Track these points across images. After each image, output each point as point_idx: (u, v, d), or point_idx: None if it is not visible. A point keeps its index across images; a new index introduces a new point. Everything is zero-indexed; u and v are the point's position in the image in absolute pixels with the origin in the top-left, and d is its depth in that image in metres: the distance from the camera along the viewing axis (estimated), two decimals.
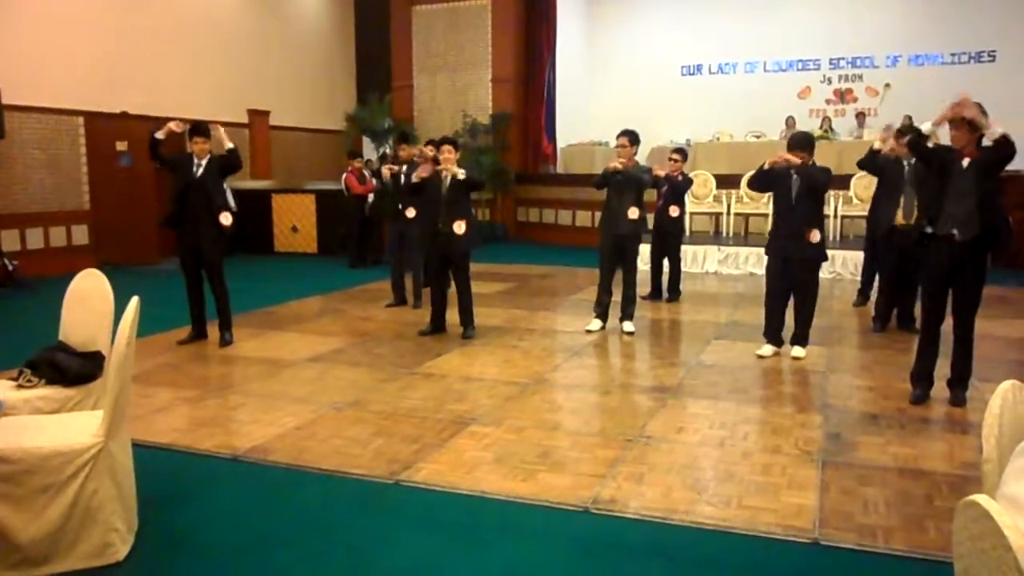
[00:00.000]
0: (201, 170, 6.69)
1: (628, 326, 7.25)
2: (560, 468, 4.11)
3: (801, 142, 6.12)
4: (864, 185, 10.66)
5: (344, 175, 12.17)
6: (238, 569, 3.16)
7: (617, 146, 7.09)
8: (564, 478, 3.98)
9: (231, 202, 7.65)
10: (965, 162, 4.87)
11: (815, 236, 6.08)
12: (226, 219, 6.76)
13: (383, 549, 3.31)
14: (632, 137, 7.01)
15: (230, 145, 6.80)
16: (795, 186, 6.06)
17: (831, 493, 3.79)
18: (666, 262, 8.99)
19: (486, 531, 3.45)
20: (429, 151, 7.98)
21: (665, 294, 8.98)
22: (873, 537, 3.35)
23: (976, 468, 3.71)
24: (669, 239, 8.89)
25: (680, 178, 8.78)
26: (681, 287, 9.12)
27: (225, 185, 7.10)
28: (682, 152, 9.08)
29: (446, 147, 7.02)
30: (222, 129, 6.89)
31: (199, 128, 6.75)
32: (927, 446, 4.44)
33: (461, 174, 6.84)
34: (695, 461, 4.23)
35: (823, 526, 3.44)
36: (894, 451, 4.33)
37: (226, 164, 6.81)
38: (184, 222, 6.74)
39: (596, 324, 7.35)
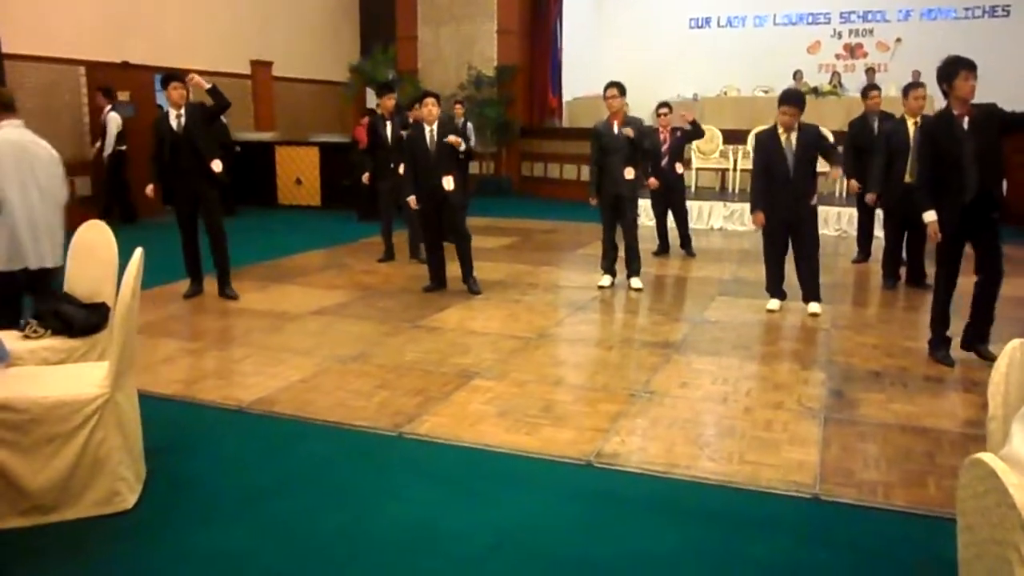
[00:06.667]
0: (182, 121, 6.55)
1: (636, 282, 7.22)
2: (563, 422, 4.13)
3: (796, 98, 6.11)
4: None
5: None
6: (243, 518, 3.20)
7: (608, 97, 7.00)
8: (567, 432, 4.00)
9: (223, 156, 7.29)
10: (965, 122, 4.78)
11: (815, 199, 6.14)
12: (217, 166, 6.64)
13: (386, 501, 3.34)
14: (621, 88, 6.97)
15: (208, 85, 6.56)
16: (791, 154, 6.03)
17: (832, 449, 3.81)
18: (672, 218, 8.96)
19: (489, 484, 3.48)
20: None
21: (680, 250, 8.99)
22: (873, 493, 3.38)
23: (979, 426, 3.73)
24: (672, 195, 8.85)
25: (679, 134, 8.72)
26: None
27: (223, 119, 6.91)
28: (667, 105, 8.93)
29: (429, 99, 6.88)
30: (196, 77, 6.66)
31: (171, 76, 6.64)
32: (930, 403, 4.44)
33: (461, 144, 6.83)
34: (697, 416, 4.25)
35: (824, 481, 3.47)
36: (896, 408, 4.35)
37: (210, 109, 6.67)
38: (176, 177, 6.67)
39: (606, 280, 7.33)
